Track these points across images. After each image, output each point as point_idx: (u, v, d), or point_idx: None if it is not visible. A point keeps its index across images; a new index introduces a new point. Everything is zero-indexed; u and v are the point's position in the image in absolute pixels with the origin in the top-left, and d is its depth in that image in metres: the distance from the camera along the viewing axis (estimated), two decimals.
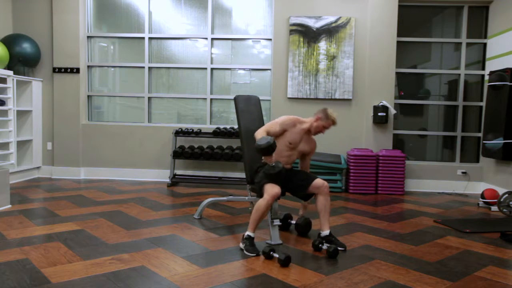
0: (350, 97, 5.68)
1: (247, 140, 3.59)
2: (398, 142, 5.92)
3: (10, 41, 5.62)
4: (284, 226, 3.65)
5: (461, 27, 5.80)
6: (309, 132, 3.25)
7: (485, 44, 5.77)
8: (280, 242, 3.23)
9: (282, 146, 3.19)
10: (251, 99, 3.78)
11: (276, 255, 2.83)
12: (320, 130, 3.19)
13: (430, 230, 3.75)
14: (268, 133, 3.13)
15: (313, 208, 4.47)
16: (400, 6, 5.65)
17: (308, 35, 5.67)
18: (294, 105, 5.76)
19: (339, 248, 3.01)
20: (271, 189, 2.98)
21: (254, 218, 3.01)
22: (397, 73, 5.82)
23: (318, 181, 3.13)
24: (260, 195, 3.11)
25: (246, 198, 3.90)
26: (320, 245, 3.05)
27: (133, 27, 6.09)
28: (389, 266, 2.81)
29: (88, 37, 6.11)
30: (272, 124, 3.19)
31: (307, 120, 3.26)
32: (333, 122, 3.18)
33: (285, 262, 2.73)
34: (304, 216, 3.53)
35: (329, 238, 3.09)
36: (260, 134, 3.12)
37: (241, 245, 3.02)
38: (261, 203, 2.98)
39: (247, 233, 3.02)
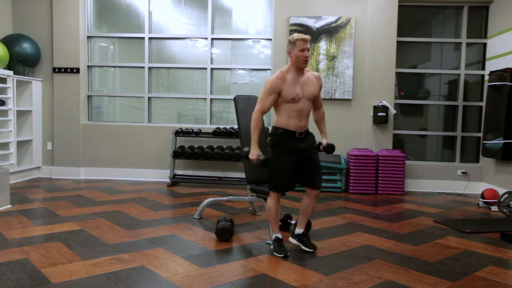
0: (350, 97, 5.68)
1: (247, 140, 3.58)
2: (398, 142, 5.92)
3: (10, 41, 5.62)
4: (284, 226, 3.64)
5: (461, 27, 5.80)
6: (299, 72, 2.95)
7: (485, 44, 5.77)
8: None
9: (287, 107, 2.91)
10: (251, 99, 3.78)
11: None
12: (301, 57, 2.86)
13: (430, 230, 3.74)
14: (264, 113, 2.92)
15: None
16: (400, 6, 5.65)
17: (308, 35, 5.65)
18: None
19: (308, 250, 3.04)
20: (279, 188, 3.02)
21: (271, 219, 3.06)
22: (397, 73, 5.82)
23: (313, 190, 3.05)
24: (268, 182, 3.05)
25: (246, 198, 3.90)
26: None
27: (133, 27, 6.09)
28: (389, 266, 2.80)
29: (88, 37, 6.11)
30: (262, 100, 2.90)
31: (287, 66, 2.97)
32: (302, 39, 2.84)
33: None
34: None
35: (301, 238, 3.12)
36: (254, 127, 2.91)
37: (271, 247, 3.04)
38: (270, 203, 3.04)
39: (274, 235, 3.05)
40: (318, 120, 3.19)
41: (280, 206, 3.08)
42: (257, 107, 2.93)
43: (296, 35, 2.89)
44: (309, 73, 3.01)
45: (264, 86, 2.93)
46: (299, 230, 3.15)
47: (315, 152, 3.05)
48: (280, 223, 3.44)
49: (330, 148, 3.09)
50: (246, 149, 3.01)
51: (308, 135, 3.04)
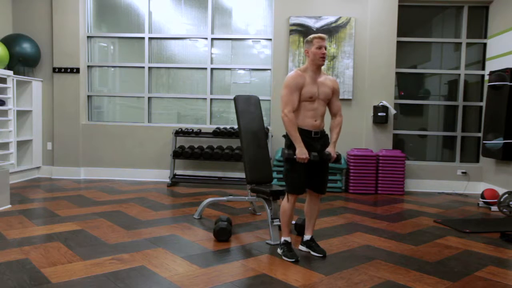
0: (350, 97, 5.68)
1: (247, 140, 3.59)
2: (398, 142, 5.92)
3: (10, 41, 5.62)
4: None
5: (461, 27, 5.80)
6: (317, 72, 2.95)
7: (485, 44, 5.77)
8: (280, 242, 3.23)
9: (303, 106, 2.91)
10: (251, 99, 3.78)
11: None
12: (318, 54, 2.89)
13: (430, 230, 3.74)
14: (294, 111, 2.89)
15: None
16: (400, 6, 5.65)
17: (308, 35, 5.65)
18: None
19: (318, 255, 2.99)
20: (298, 189, 2.95)
21: (284, 222, 3.01)
22: (397, 73, 5.82)
23: (318, 194, 3.07)
24: (285, 180, 2.99)
25: (246, 198, 3.90)
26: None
27: (133, 27, 6.09)
28: (389, 266, 2.80)
29: (88, 37, 6.11)
30: (289, 100, 2.86)
31: (304, 66, 3.00)
32: (319, 37, 2.90)
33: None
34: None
35: (310, 243, 3.09)
36: (291, 127, 2.86)
37: (279, 251, 3.00)
38: (286, 206, 2.98)
39: (283, 238, 3.01)
40: (332, 128, 3.06)
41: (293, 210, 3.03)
42: (288, 108, 2.86)
43: (313, 35, 2.96)
44: (326, 75, 3.04)
45: (286, 86, 2.89)
46: (307, 236, 3.11)
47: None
48: (280, 223, 3.44)
49: (327, 156, 2.93)
50: (287, 151, 2.89)
51: (323, 136, 3.02)
